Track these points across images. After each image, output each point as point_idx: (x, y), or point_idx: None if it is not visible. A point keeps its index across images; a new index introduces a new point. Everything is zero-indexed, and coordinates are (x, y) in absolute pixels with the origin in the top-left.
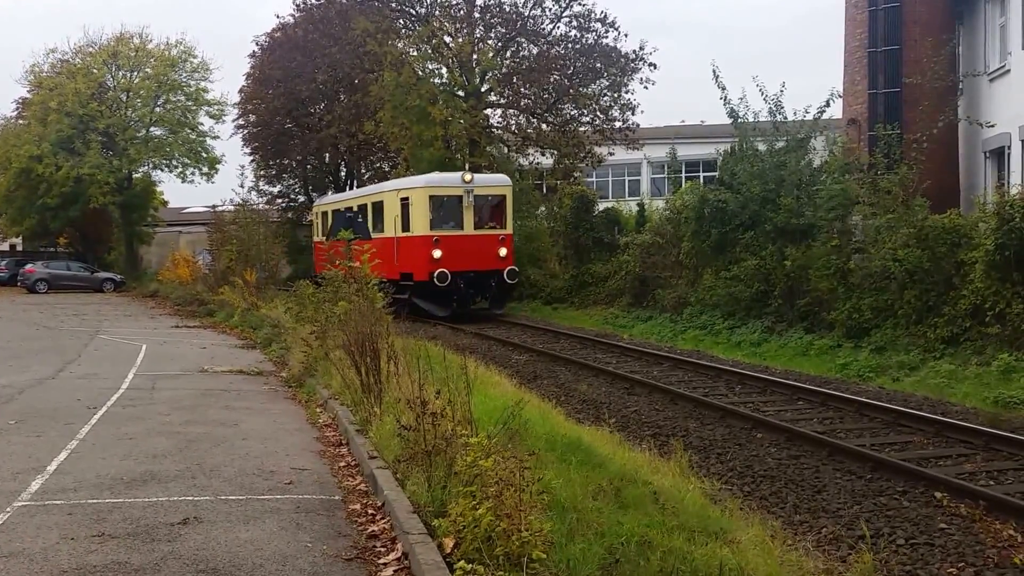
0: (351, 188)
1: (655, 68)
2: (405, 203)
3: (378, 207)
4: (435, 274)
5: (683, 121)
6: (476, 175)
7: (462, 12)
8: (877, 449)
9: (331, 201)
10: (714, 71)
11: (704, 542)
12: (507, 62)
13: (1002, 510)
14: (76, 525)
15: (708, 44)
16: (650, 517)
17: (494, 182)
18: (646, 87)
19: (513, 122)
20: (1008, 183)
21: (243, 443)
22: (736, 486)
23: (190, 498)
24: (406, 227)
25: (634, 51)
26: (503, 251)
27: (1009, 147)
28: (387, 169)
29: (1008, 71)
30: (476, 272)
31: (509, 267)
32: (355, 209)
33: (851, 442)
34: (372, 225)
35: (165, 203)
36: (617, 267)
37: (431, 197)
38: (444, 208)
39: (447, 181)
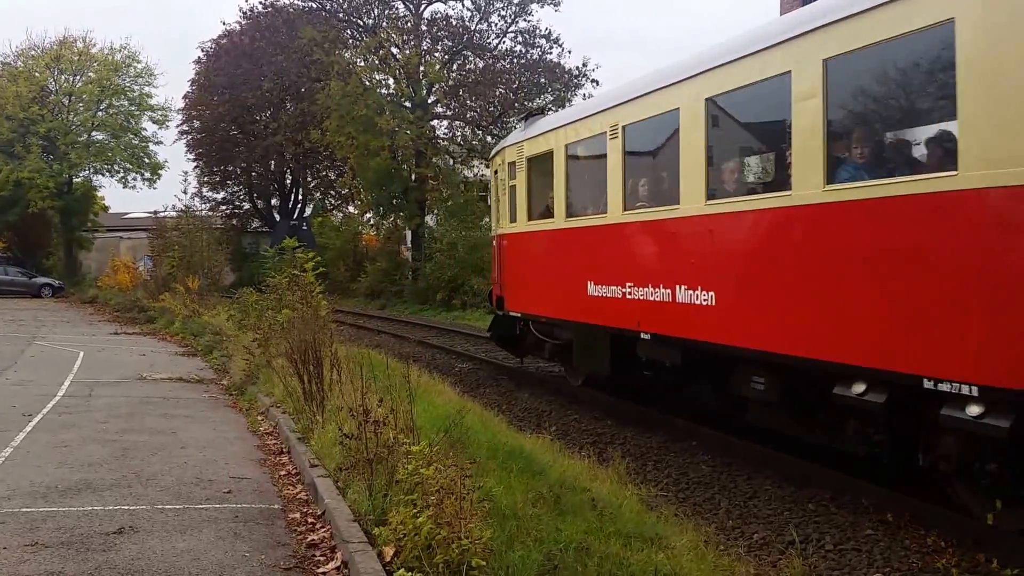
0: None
1: (597, 84)
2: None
3: (776, 94)
4: None
5: None
6: None
7: (409, 24)
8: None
9: (548, 128)
10: None
11: (640, 548)
12: (454, 75)
13: (925, 518)
14: (9, 534)
15: (651, 58)
16: (588, 524)
17: None
18: None
19: (459, 134)
20: None
21: (181, 451)
22: (672, 493)
23: (126, 507)
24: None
25: (577, 67)
26: None
27: None
28: (333, 178)
29: None
30: None
31: None
32: (646, 122)
33: (783, 450)
34: (729, 173)
35: (106, 208)
36: None
37: None
38: None
39: None
